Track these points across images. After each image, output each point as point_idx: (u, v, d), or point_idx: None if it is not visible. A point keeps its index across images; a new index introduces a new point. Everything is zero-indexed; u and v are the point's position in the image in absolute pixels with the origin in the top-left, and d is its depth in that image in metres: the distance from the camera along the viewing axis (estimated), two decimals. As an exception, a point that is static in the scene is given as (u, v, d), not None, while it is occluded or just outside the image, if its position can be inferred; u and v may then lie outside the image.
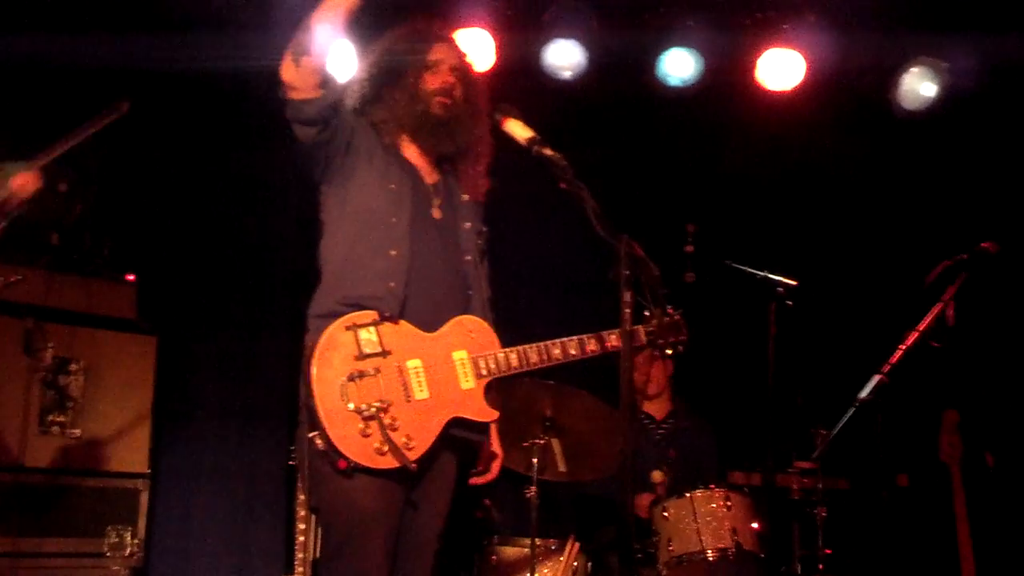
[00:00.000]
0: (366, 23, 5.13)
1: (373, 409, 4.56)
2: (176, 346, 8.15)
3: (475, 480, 5.22)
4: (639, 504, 7.44)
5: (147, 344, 7.75)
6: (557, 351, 4.97)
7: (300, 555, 7.06)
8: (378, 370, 4.64)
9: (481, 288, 5.15)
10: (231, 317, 8.57)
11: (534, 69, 8.55)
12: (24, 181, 5.89)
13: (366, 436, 4.54)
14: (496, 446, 5.20)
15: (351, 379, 4.58)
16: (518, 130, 4.80)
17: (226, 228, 8.56)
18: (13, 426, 7.09)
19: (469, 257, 5.12)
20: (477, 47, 8.09)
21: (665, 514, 7.07)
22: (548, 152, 4.60)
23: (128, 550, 7.32)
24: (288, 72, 4.77)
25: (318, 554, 7.11)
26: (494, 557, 7.20)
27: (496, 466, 5.22)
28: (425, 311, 4.84)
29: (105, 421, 7.45)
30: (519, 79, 8.34)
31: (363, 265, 4.81)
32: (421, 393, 4.71)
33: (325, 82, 4.84)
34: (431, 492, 4.92)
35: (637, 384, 8.24)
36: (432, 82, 5.07)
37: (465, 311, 4.99)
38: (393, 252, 4.82)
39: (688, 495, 7.05)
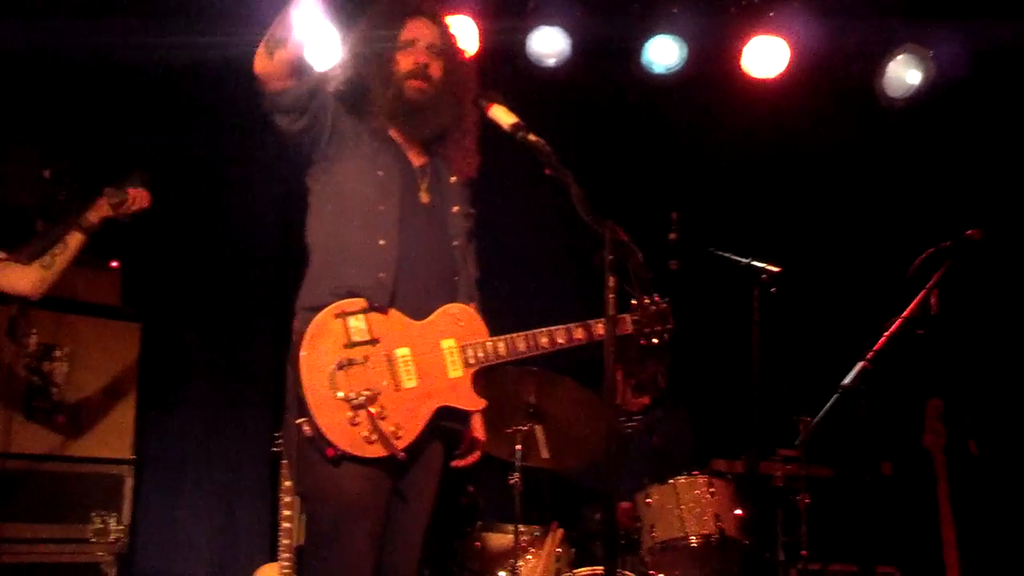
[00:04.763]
0: (348, 6, 5.10)
1: (362, 398, 4.54)
2: (161, 332, 8.13)
3: (455, 463, 5.21)
4: (620, 514, 7.39)
5: (131, 330, 7.73)
6: (545, 339, 4.94)
7: (285, 541, 7.07)
8: (367, 358, 4.63)
9: (468, 272, 5.12)
10: (216, 304, 8.56)
11: (519, 56, 8.55)
12: (139, 194, 6.40)
13: (354, 425, 4.54)
14: (479, 431, 5.19)
15: (340, 367, 4.56)
16: (502, 116, 4.77)
17: (210, 214, 8.55)
18: (-3, 412, 7.10)
19: (457, 242, 5.07)
20: (461, 34, 8.07)
21: (648, 500, 7.08)
22: (532, 138, 4.58)
23: (112, 536, 7.33)
24: (260, 64, 4.71)
25: (303, 540, 7.12)
26: (478, 544, 7.21)
27: (478, 450, 5.22)
28: (414, 299, 4.81)
29: (90, 407, 7.44)
30: (503, 66, 8.35)
31: (352, 255, 4.77)
32: (410, 382, 4.70)
33: (300, 71, 4.78)
34: (418, 481, 4.91)
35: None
36: (405, 63, 4.96)
37: (452, 298, 4.96)
38: (382, 242, 4.78)
39: (671, 482, 7.06)
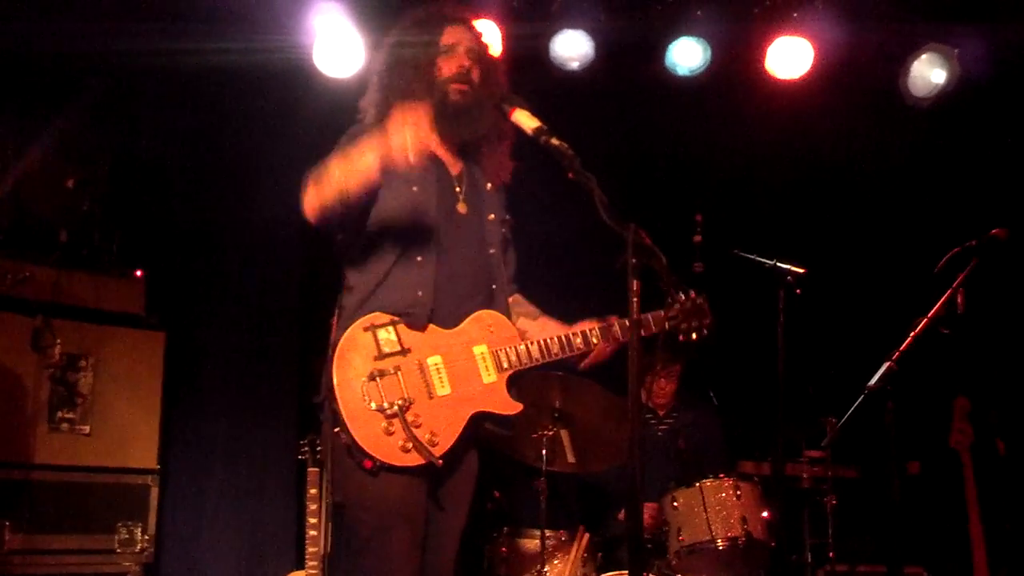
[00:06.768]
0: (377, 16, 5.07)
1: (395, 407, 4.54)
2: (185, 342, 8.14)
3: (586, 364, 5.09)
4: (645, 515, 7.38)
5: (156, 340, 7.75)
6: (579, 340, 4.93)
7: (311, 549, 7.05)
8: (398, 368, 4.62)
9: (504, 280, 5.09)
10: (240, 312, 8.55)
11: (542, 60, 8.53)
12: None
13: (390, 434, 4.54)
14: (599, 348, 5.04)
15: (372, 379, 4.57)
16: (525, 120, 4.76)
17: (234, 223, 8.54)
18: (23, 423, 7.09)
19: (493, 251, 5.05)
20: (491, 40, 8.06)
21: (675, 504, 7.08)
22: (555, 142, 4.57)
23: (138, 546, 7.34)
24: (309, 210, 4.86)
25: (330, 548, 7.11)
26: (504, 549, 7.20)
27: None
28: (451, 309, 4.81)
29: (114, 417, 7.46)
30: (527, 70, 8.30)
31: (390, 275, 4.76)
32: (443, 389, 4.69)
33: (348, 213, 4.78)
34: (455, 488, 4.91)
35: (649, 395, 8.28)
36: (448, 68, 4.95)
37: (488, 306, 4.94)
38: (419, 258, 4.78)
39: (698, 485, 7.06)
